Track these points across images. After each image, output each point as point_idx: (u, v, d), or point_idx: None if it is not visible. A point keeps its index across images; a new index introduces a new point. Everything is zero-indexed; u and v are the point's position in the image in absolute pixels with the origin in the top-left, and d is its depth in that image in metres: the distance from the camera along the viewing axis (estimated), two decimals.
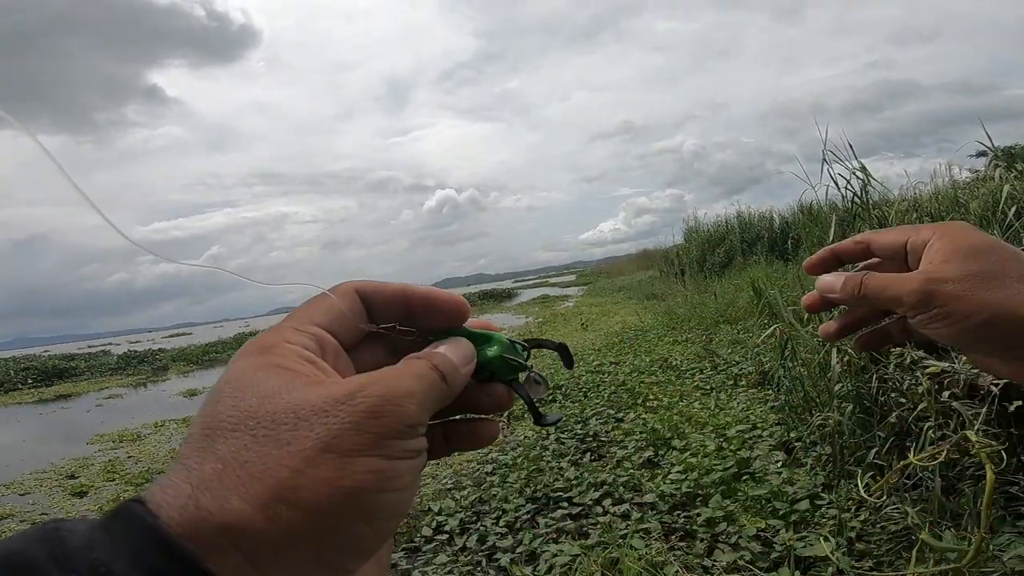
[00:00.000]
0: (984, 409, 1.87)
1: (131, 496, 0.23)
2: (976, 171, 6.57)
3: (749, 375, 4.80)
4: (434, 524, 3.16)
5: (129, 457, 6.13)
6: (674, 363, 6.10)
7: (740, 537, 2.33)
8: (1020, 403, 1.86)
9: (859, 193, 2.94)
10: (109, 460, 5.99)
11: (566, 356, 0.42)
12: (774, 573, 1.96)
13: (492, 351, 0.33)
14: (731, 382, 4.90)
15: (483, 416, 0.35)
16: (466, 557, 2.75)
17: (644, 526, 2.62)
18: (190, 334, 40.29)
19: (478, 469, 3.99)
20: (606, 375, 6.11)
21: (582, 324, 12.07)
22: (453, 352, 0.31)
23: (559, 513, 3.02)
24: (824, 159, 3.00)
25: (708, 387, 4.94)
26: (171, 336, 39.86)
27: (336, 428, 0.24)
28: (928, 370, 2.30)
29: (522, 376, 0.36)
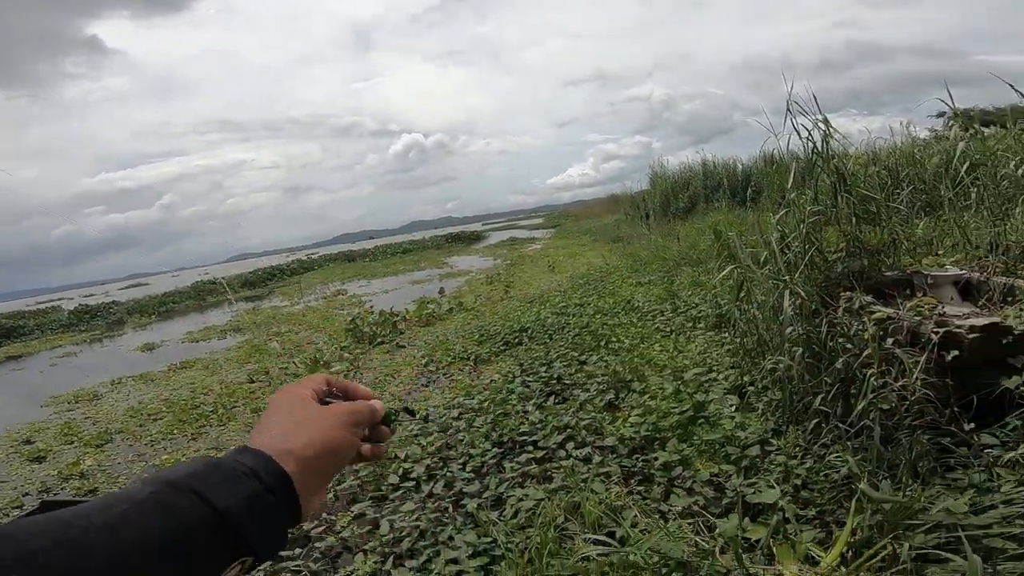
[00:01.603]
0: (923, 357, 1.94)
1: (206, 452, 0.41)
2: (935, 130, 6.72)
3: (707, 317, 4.92)
4: (400, 471, 3.20)
5: (86, 418, 5.99)
6: (637, 305, 6.20)
7: (695, 482, 2.41)
8: (956, 353, 1.95)
9: (819, 144, 2.93)
10: (66, 422, 5.84)
11: (409, 411, 0.73)
12: (725, 519, 2.05)
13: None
14: (690, 324, 5.02)
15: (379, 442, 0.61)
16: (433, 503, 2.81)
17: (605, 470, 2.70)
18: (147, 284, 38.93)
19: (444, 414, 4.03)
20: (571, 317, 6.20)
21: (549, 266, 12.13)
22: (376, 404, 0.59)
23: (524, 457, 3.08)
24: (788, 110, 2.97)
25: (668, 329, 5.05)
26: (126, 287, 38.46)
27: (337, 422, 0.51)
28: (875, 315, 2.37)
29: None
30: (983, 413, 2.00)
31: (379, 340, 7.20)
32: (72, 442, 5.15)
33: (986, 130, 4.65)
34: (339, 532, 2.81)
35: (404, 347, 6.78)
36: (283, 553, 2.75)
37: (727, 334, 4.23)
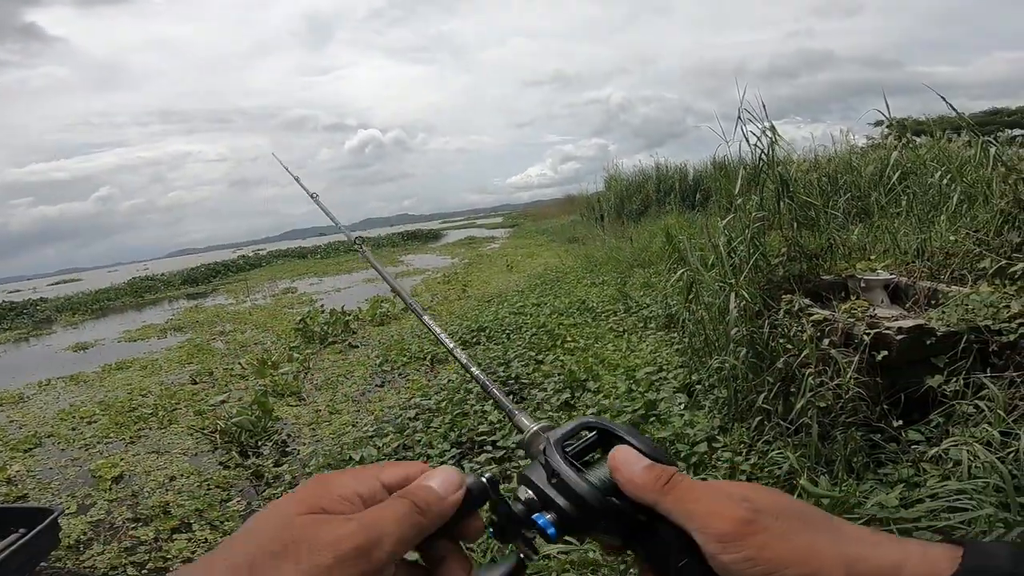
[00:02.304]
0: (856, 358, 2.07)
1: None
2: (872, 138, 7.15)
3: (658, 318, 5.06)
4: None
5: (11, 421, 5.61)
6: (591, 305, 6.31)
7: None
8: (886, 353, 2.08)
9: (766, 151, 3.06)
10: None
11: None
12: None
13: None
14: (642, 324, 5.15)
15: (456, 551, 0.37)
16: None
17: None
18: (79, 280, 36.67)
19: (400, 415, 3.98)
20: (528, 316, 6.24)
21: (507, 266, 12.19)
22: (440, 483, 0.35)
23: (484, 457, 3.08)
24: (739, 117, 3.09)
25: (621, 329, 5.16)
26: (57, 283, 36.09)
27: (322, 566, 0.30)
28: (812, 317, 2.50)
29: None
30: (910, 410, 2.15)
31: (331, 340, 7.04)
32: None
33: (918, 139, 4.97)
34: None
35: (357, 347, 6.66)
36: None
37: (676, 334, 4.36)
